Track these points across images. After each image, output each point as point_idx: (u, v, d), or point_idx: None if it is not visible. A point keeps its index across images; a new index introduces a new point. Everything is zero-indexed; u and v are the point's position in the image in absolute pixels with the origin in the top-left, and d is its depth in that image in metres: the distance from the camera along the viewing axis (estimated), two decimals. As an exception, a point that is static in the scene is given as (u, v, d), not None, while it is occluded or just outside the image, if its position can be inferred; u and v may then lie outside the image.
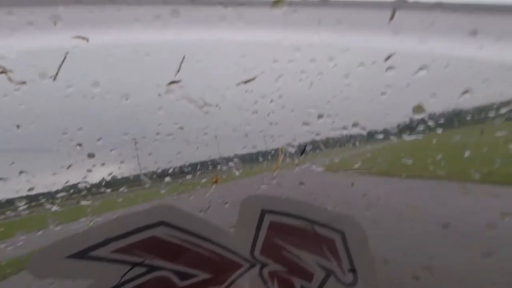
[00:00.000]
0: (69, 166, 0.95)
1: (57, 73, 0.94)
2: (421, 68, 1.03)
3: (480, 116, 1.04)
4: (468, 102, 1.01)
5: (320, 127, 1.12)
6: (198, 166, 1.14)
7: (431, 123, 1.05)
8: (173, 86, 1.07)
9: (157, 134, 1.08)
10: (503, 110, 1.01)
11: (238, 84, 1.12)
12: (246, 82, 1.13)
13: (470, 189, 1.12)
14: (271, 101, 1.17)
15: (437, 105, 1.02)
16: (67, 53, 0.94)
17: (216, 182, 1.13)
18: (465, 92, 0.99)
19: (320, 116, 1.12)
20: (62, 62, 0.94)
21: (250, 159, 1.16)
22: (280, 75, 1.17)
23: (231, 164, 1.14)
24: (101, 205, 1.02)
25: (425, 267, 1.07)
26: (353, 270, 0.81)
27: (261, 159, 1.14)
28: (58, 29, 0.92)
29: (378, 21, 1.01)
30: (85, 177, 0.97)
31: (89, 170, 0.96)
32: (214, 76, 1.24)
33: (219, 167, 1.14)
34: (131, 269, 0.73)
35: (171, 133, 1.08)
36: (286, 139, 1.14)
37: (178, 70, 1.06)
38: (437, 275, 1.04)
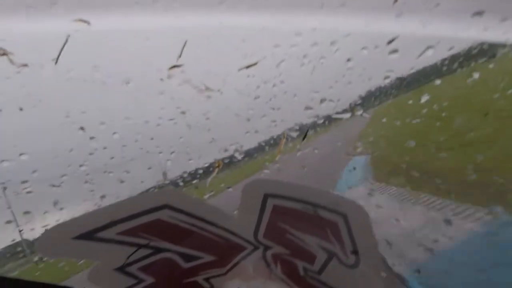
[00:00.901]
0: (71, 150, 0.95)
1: (58, 57, 0.93)
2: (425, 51, 1.02)
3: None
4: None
5: (322, 111, 1.12)
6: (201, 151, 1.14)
7: (435, 106, 1.05)
8: (175, 70, 1.06)
9: (159, 118, 1.07)
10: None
11: (240, 69, 1.11)
12: (248, 67, 1.12)
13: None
14: (274, 85, 1.16)
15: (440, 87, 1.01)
16: (68, 36, 0.92)
17: (218, 166, 1.13)
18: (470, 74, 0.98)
19: (322, 101, 1.12)
20: (63, 45, 0.92)
21: (253, 145, 1.16)
22: (282, 60, 1.16)
23: (233, 148, 1.14)
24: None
25: (427, 250, 1.08)
26: (355, 252, 0.80)
27: (263, 144, 1.14)
28: (59, 12, 0.90)
29: (382, 3, 1.00)
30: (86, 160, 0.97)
31: (91, 154, 0.96)
32: (215, 61, 1.22)
33: (221, 152, 1.14)
34: (136, 250, 0.74)
35: (173, 117, 1.08)
36: (289, 124, 1.14)
37: (180, 55, 1.05)
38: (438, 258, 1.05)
